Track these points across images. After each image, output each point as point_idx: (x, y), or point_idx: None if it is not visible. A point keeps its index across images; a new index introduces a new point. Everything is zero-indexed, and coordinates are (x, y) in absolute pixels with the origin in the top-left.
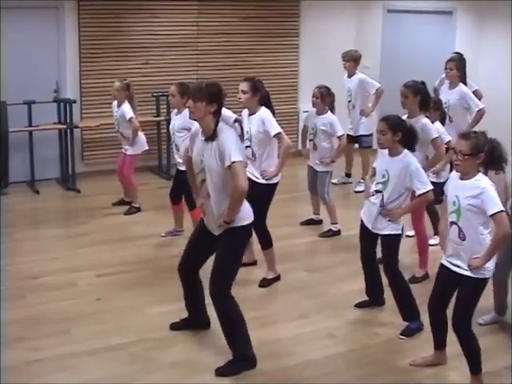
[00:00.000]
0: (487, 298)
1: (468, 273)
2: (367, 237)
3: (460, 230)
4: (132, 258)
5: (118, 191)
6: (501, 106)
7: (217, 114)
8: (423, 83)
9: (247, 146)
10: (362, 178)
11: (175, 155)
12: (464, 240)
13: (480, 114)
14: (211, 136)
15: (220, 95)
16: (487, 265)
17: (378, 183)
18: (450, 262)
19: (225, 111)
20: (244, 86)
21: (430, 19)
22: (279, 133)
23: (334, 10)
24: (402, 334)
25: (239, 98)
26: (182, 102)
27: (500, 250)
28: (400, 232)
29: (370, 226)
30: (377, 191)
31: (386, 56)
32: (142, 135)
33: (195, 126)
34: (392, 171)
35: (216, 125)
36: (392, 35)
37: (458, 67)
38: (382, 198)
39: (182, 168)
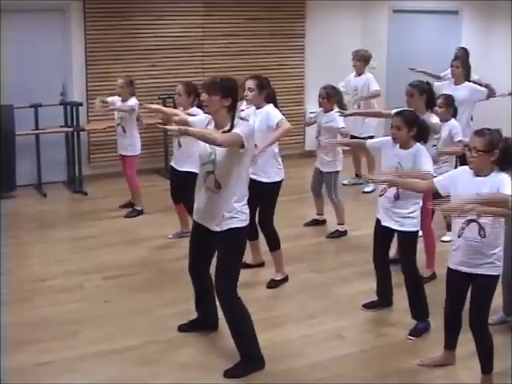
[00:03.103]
0: (496, 298)
1: (481, 271)
2: (382, 236)
3: (480, 227)
4: (139, 260)
5: (125, 193)
6: (506, 106)
7: (232, 109)
8: (428, 83)
9: None
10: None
11: (175, 152)
12: (484, 237)
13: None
14: (229, 131)
15: (235, 90)
16: (498, 262)
17: None
18: (462, 262)
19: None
20: (250, 83)
21: (435, 19)
22: (281, 119)
23: (340, 11)
24: (410, 335)
25: (246, 96)
26: (188, 101)
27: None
28: (418, 229)
29: (387, 224)
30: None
31: (392, 56)
32: (138, 138)
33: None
34: (405, 163)
35: (232, 120)
36: (398, 35)
37: (463, 65)
38: (397, 191)
39: (182, 168)
